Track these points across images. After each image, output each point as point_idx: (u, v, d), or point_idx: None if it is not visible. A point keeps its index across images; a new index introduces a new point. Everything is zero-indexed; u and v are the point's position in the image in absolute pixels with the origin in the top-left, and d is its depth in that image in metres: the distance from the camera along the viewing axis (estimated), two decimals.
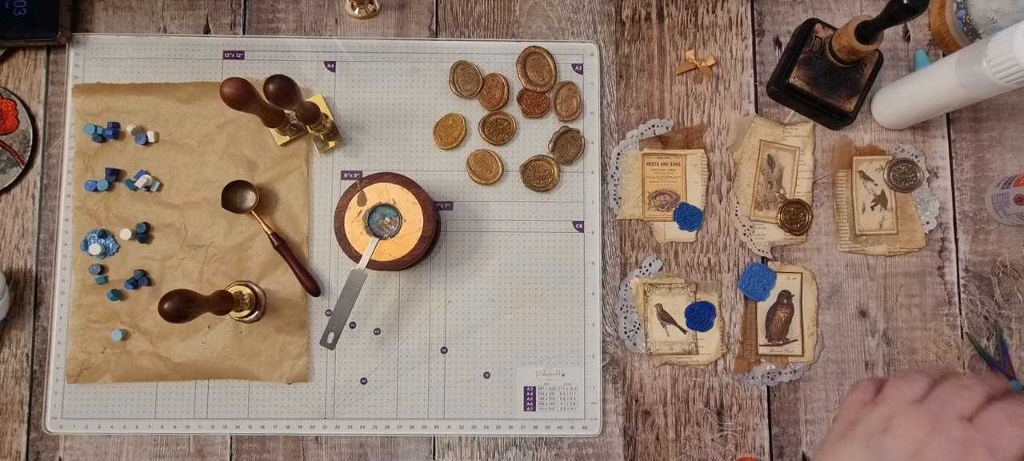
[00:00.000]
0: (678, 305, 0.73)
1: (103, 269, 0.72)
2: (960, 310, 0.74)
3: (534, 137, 0.75)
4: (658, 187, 0.74)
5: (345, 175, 0.74)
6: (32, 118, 0.74)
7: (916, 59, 0.76)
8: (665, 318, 0.73)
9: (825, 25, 0.73)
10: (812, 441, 0.73)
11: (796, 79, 0.72)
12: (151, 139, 0.73)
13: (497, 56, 0.76)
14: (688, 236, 0.74)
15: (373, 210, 0.66)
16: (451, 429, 0.72)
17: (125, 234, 0.72)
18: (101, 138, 0.73)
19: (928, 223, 0.74)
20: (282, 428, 0.72)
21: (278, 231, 0.73)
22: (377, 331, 0.73)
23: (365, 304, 0.73)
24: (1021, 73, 0.56)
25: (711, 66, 0.75)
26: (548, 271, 0.74)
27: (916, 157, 0.75)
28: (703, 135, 0.75)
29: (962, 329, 0.74)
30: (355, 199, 0.65)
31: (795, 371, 0.73)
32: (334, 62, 0.75)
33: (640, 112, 0.76)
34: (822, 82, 0.72)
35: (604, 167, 0.75)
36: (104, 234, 0.72)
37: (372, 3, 0.75)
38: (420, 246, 0.65)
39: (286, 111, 0.69)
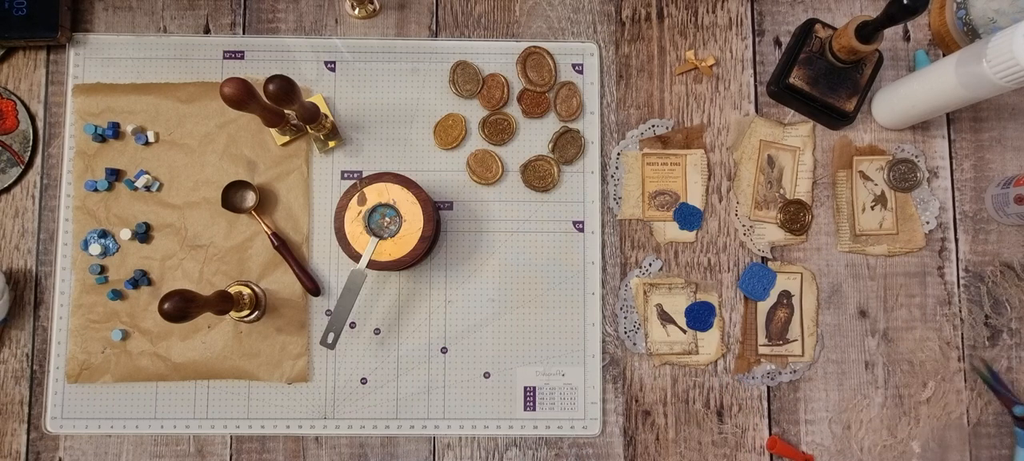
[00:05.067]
0: (678, 305, 0.73)
1: (103, 269, 0.72)
2: (960, 310, 0.74)
3: (534, 137, 0.75)
4: (658, 187, 0.74)
5: (345, 175, 0.74)
6: (32, 118, 0.74)
7: (916, 59, 0.76)
8: (665, 318, 0.73)
9: (825, 25, 0.73)
10: (812, 441, 0.73)
11: (796, 79, 0.72)
12: (151, 139, 0.73)
13: (497, 56, 0.76)
14: (688, 236, 0.74)
15: (373, 210, 0.66)
16: (451, 429, 0.72)
17: (125, 234, 0.72)
18: (101, 138, 0.73)
19: (928, 223, 0.74)
20: (282, 428, 0.72)
21: (278, 231, 0.73)
22: (377, 331, 0.73)
23: (365, 304, 0.73)
24: (1021, 73, 0.56)
25: (711, 66, 0.75)
26: (548, 271, 0.74)
27: (916, 157, 0.75)
28: (703, 135, 0.75)
29: (962, 329, 0.74)
30: (355, 199, 0.65)
31: (795, 371, 0.73)
32: (334, 62, 0.75)
33: (640, 112, 0.76)
34: (822, 82, 0.72)
35: (604, 167, 0.75)
36: (104, 234, 0.72)
37: (372, 3, 0.75)
38: (420, 246, 0.65)
39: (286, 111, 0.69)
